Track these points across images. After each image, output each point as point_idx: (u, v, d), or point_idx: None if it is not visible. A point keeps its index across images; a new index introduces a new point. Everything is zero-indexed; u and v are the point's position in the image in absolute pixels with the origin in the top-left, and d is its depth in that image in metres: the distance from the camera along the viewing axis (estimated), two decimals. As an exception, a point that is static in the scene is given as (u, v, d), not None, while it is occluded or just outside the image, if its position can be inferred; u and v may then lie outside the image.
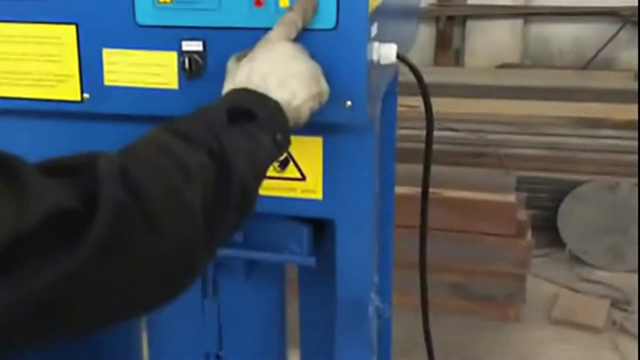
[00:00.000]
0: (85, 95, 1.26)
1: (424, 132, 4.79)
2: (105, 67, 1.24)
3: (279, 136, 1.06)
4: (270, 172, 1.33)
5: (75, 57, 1.24)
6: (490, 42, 6.82)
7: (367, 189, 1.32)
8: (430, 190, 4.01)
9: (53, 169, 0.80)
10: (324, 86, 1.15)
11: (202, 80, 1.21)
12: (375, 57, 1.23)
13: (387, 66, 1.27)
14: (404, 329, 3.84)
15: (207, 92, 1.15)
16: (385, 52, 1.23)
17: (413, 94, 4.91)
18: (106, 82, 1.25)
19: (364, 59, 1.18)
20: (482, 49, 6.92)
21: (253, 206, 1.00)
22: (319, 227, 1.41)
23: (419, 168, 4.54)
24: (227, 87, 1.11)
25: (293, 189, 1.34)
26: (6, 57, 1.26)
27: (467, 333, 3.74)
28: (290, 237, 1.41)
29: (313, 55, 1.16)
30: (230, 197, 0.92)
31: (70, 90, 1.26)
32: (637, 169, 3.83)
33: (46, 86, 1.26)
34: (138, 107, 1.25)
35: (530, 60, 6.70)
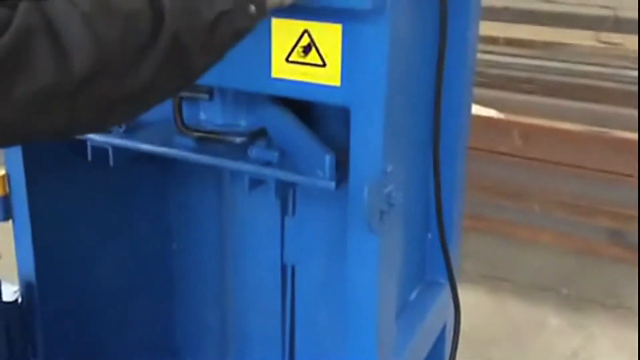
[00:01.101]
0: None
1: (617, 71, 4.51)
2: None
3: (252, 7, 1.14)
4: (294, 56, 1.41)
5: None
6: None
7: (381, 78, 1.35)
8: (599, 128, 3.83)
9: None
10: None
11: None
12: (388, -54, 1.25)
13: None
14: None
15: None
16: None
17: (612, 30, 4.63)
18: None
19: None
20: None
21: (194, 58, 1.09)
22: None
23: (603, 108, 4.31)
24: None
25: (314, 75, 1.40)
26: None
27: (618, 281, 3.57)
28: (315, 162, 1.51)
29: None
30: (158, 40, 1.02)
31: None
32: (637, 165, 3.41)
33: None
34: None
35: None
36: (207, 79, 1.48)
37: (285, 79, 1.42)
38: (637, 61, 4.48)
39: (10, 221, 1.84)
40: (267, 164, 1.57)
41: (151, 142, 1.68)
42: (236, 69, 1.45)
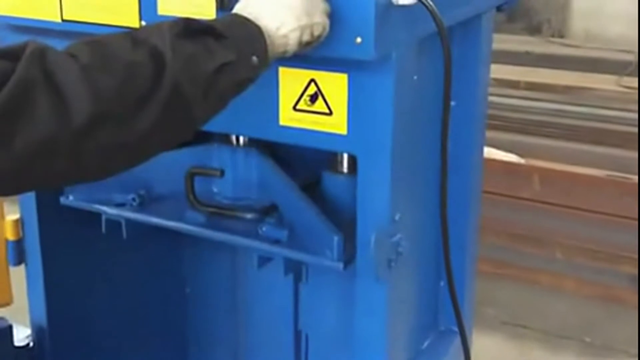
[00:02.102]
0: (143, 23, 1.43)
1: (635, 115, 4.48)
2: (159, -3, 1.41)
3: (254, 58, 1.15)
4: (301, 105, 1.43)
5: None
6: None
7: (387, 126, 1.35)
8: (620, 174, 3.80)
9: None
10: (317, 20, 1.23)
11: (234, 10, 1.32)
12: (392, -2, 1.27)
13: (412, 10, 1.29)
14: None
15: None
16: (403, -6, 1.26)
17: (634, 75, 4.64)
18: (159, 12, 1.41)
19: (374, -2, 1.24)
20: None
21: (194, 109, 1.09)
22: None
23: (624, 153, 4.29)
24: (234, 10, 1.23)
25: (321, 123, 1.40)
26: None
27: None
28: (324, 241, 1.52)
29: None
30: (158, 90, 1.03)
31: (130, 17, 1.43)
32: (637, 167, 3.35)
33: (111, 12, 1.45)
34: (184, 35, 1.39)
35: None
36: (217, 126, 1.51)
37: (292, 126, 1.43)
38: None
39: (23, 265, 1.85)
40: (277, 241, 1.59)
41: (164, 216, 1.71)
42: (245, 117, 1.46)
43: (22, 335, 1.89)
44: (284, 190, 1.61)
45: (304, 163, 1.70)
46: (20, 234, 1.82)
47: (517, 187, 3.76)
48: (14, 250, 1.82)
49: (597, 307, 3.63)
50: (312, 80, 1.39)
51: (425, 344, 1.85)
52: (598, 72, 4.95)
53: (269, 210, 1.64)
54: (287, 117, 1.44)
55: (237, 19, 1.19)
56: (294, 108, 1.42)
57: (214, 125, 1.49)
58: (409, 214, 1.50)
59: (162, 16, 1.41)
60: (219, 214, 1.67)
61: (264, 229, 1.60)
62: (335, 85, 1.38)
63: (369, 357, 1.49)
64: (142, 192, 1.73)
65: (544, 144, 4.24)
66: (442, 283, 1.89)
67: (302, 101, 1.41)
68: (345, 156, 1.62)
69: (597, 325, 3.54)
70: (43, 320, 1.86)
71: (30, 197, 1.77)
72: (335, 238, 1.50)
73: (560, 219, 3.73)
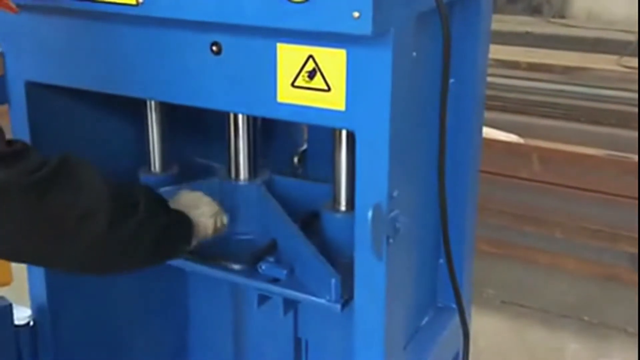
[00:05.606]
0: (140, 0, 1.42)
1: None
2: (156, -26, 1.40)
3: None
4: (299, 81, 1.42)
5: (134, -37, 1.41)
6: None
7: (385, 102, 1.35)
8: (620, 153, 3.80)
9: None
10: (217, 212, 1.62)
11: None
12: (390, -28, 1.26)
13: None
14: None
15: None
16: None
17: (635, 55, 4.61)
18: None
19: (372, -30, 1.23)
20: None
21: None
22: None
23: (624, 133, 4.29)
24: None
25: (319, 100, 1.40)
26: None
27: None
28: (322, 283, 1.56)
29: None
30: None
31: (130, -6, 1.43)
32: (637, 146, 3.36)
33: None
34: (181, 12, 1.39)
35: None
36: (215, 103, 1.51)
37: (290, 103, 1.42)
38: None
39: (23, 245, 1.85)
40: (276, 280, 1.62)
41: None
42: (242, 94, 1.45)
43: (22, 315, 1.90)
44: (284, 229, 1.65)
45: (305, 197, 1.76)
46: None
47: (516, 167, 3.77)
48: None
49: (596, 286, 3.64)
50: (310, 56, 1.38)
51: (424, 320, 1.85)
52: (598, 52, 4.93)
53: (269, 248, 1.67)
54: (285, 94, 1.43)
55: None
56: (292, 85, 1.42)
57: (214, 103, 1.50)
58: (407, 191, 1.50)
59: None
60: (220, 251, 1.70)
61: (263, 267, 1.63)
62: (333, 61, 1.37)
63: (368, 333, 1.49)
64: None
65: (544, 124, 4.24)
66: (441, 261, 1.89)
67: (300, 78, 1.41)
68: (344, 193, 1.67)
69: (596, 304, 3.55)
70: (43, 299, 1.86)
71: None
72: (333, 280, 1.54)
73: (560, 198, 3.74)
